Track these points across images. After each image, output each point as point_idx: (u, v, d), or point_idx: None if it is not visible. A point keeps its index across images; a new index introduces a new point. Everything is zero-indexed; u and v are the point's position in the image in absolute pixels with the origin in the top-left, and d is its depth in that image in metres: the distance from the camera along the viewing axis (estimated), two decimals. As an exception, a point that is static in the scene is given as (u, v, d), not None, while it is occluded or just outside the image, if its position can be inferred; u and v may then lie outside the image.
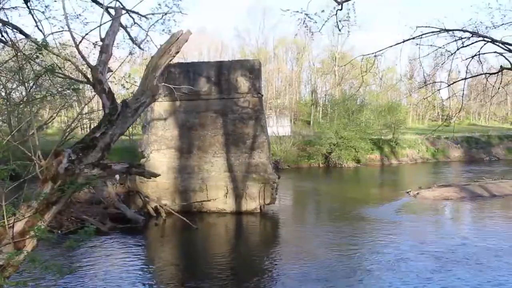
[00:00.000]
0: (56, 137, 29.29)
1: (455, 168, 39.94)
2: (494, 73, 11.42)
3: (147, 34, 11.16)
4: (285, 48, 73.70)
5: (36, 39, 7.39)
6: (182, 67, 19.80)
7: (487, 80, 12.21)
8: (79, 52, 6.31)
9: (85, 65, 6.62)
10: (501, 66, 10.86)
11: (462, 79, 12.32)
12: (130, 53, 11.97)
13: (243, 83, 19.02)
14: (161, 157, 19.57)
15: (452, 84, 13.24)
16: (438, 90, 16.07)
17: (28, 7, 9.84)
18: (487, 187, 24.28)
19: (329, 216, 19.13)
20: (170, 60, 6.90)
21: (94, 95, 7.14)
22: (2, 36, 9.32)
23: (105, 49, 6.45)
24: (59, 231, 5.59)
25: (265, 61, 65.88)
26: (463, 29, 10.12)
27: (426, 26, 9.87)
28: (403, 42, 10.00)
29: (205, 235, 16.39)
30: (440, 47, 10.79)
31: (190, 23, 27.44)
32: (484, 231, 15.96)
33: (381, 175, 36.89)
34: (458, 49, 10.38)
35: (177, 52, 6.72)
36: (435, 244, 14.01)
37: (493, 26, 10.38)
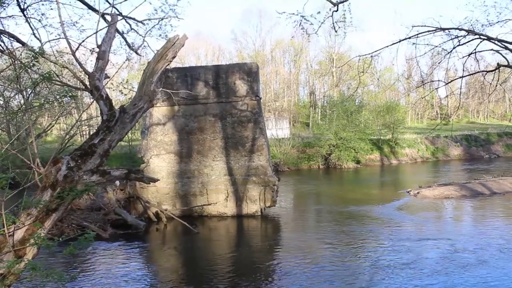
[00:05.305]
0: (56, 145, 29.32)
1: (455, 167, 39.94)
2: (491, 71, 11.44)
3: (144, 39, 11.18)
4: (282, 51, 73.96)
5: (32, 47, 7.40)
6: (179, 71, 19.80)
7: (484, 78, 12.24)
8: (76, 59, 6.33)
9: (83, 72, 6.64)
10: (498, 64, 10.87)
11: (459, 78, 12.32)
12: (127, 59, 12.00)
13: (241, 86, 19.04)
14: (160, 162, 19.56)
15: (449, 82, 13.29)
16: (436, 89, 16.10)
17: (24, 16, 9.87)
18: (487, 184, 24.29)
19: (330, 218, 19.11)
20: (167, 65, 6.92)
21: (92, 102, 7.16)
22: (-1, 45, 9.33)
23: (102, 56, 6.48)
24: (59, 238, 5.57)
25: (263, 63, 66.04)
26: (459, 27, 10.13)
27: (422, 26, 9.89)
28: (399, 41, 10.03)
29: (206, 239, 16.37)
30: (436, 46, 10.80)
31: (186, 27, 27.53)
32: (485, 228, 15.95)
33: (381, 175, 36.87)
34: (454, 48, 10.39)
35: (174, 57, 6.75)
36: (437, 242, 14.02)
37: (489, 23, 10.40)
